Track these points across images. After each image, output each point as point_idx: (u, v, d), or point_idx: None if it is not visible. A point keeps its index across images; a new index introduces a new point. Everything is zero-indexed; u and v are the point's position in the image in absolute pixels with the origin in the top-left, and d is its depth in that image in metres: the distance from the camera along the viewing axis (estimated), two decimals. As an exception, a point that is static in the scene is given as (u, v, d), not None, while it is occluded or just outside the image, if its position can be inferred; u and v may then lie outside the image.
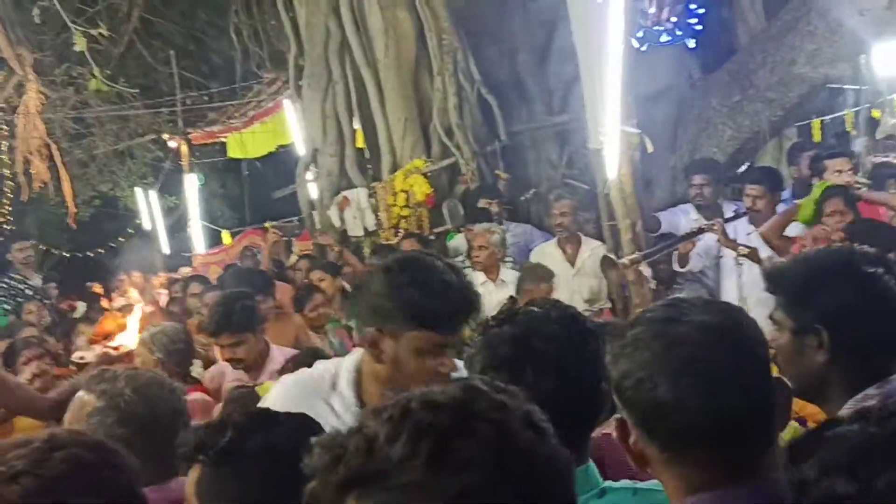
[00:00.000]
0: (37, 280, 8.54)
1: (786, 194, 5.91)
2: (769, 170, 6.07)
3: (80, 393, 2.06)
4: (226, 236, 11.56)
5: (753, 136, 6.59)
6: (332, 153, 8.08)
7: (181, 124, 11.33)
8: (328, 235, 7.69)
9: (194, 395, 3.81)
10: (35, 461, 1.30)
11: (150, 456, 1.71)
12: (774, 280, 1.86)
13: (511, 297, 4.58)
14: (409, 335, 1.93)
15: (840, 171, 5.26)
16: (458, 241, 6.60)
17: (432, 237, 7.16)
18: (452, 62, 7.37)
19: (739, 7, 7.07)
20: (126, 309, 7.54)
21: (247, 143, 11.50)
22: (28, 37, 10.01)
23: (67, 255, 13.99)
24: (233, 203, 15.29)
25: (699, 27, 6.53)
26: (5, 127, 10.36)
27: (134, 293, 10.15)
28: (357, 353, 2.12)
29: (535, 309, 1.61)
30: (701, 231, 5.29)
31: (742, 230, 5.34)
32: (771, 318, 1.86)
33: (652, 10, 6.28)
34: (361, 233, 7.79)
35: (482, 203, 6.41)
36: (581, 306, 5.62)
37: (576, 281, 5.77)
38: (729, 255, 5.28)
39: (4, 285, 8.16)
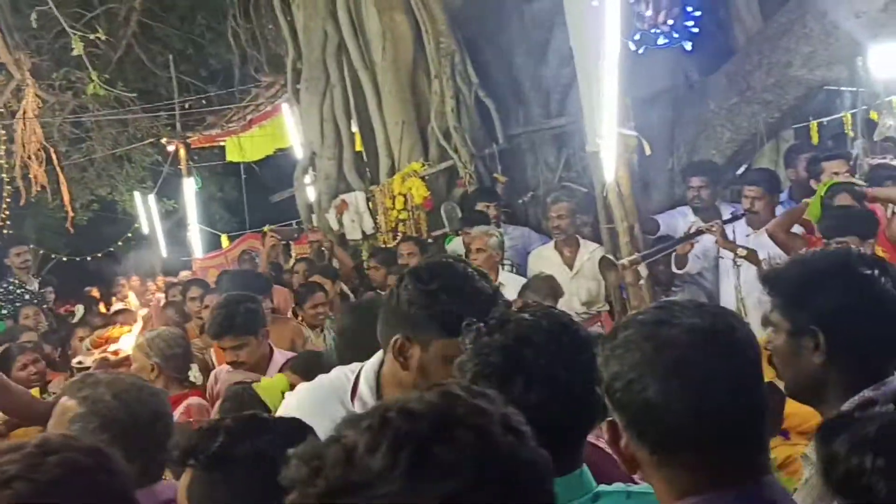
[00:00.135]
0: (34, 285, 8.53)
1: (783, 196, 5.91)
2: (767, 172, 6.07)
3: (63, 399, 2.08)
4: (225, 240, 11.56)
5: (751, 138, 6.59)
6: (329, 157, 8.08)
7: (179, 128, 11.33)
8: (318, 232, 7.69)
9: (192, 400, 3.81)
10: (28, 466, 1.30)
11: (134, 460, 1.72)
12: (770, 281, 1.86)
13: (505, 301, 4.55)
14: (439, 343, 1.90)
15: (837, 173, 5.26)
16: (456, 245, 6.59)
17: (430, 240, 7.16)
18: (450, 65, 7.38)
19: (736, 9, 7.06)
20: (123, 313, 7.53)
21: (245, 147, 11.49)
22: (26, 41, 10.03)
23: (66, 259, 13.99)
24: (231, 207, 15.29)
25: (696, 29, 6.52)
26: (3, 131, 10.36)
27: (133, 297, 10.16)
28: (376, 358, 2.09)
29: (527, 317, 1.59)
30: (700, 233, 5.29)
31: (740, 232, 5.34)
32: (767, 319, 1.86)
33: (648, 12, 6.27)
34: (359, 236, 7.79)
35: (480, 206, 6.40)
36: (579, 309, 5.63)
37: (574, 284, 5.77)
38: (727, 256, 5.28)
39: (2, 290, 8.15)
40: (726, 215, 5.61)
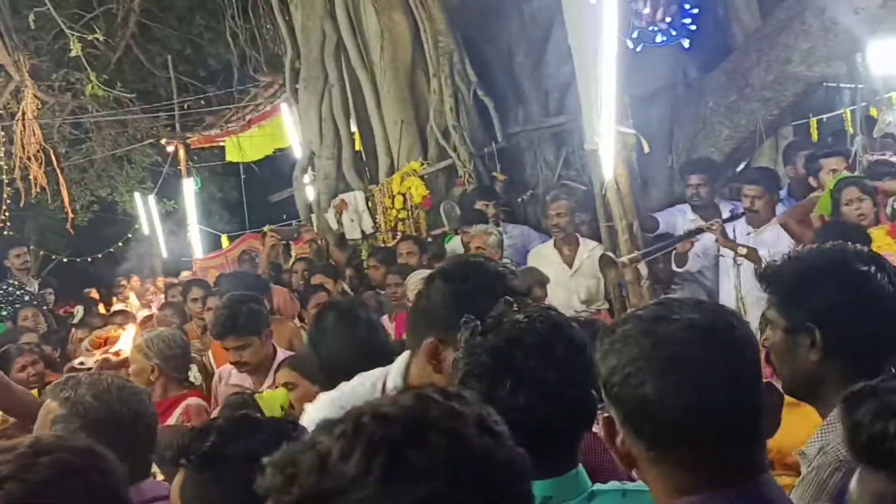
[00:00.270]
0: (34, 286, 8.53)
1: (782, 194, 5.91)
2: (767, 170, 6.06)
3: (47, 400, 2.09)
4: (225, 240, 11.57)
5: (750, 135, 6.58)
6: (328, 156, 8.08)
7: (179, 129, 11.33)
8: (312, 229, 7.69)
9: (191, 400, 3.81)
10: (20, 466, 1.30)
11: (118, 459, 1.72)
12: (767, 279, 1.86)
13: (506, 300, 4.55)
14: None
15: (835, 170, 5.27)
16: (455, 244, 6.59)
17: (430, 239, 7.16)
18: (448, 64, 7.37)
19: (734, 6, 7.05)
20: (121, 314, 7.52)
21: (244, 147, 11.49)
22: (25, 42, 10.04)
23: (66, 260, 14.00)
24: (231, 207, 15.29)
25: (694, 27, 6.51)
26: (3, 133, 10.37)
27: (134, 298, 10.16)
28: (402, 361, 2.05)
29: (522, 318, 1.59)
30: (700, 231, 5.29)
31: (741, 230, 5.34)
32: (764, 316, 1.86)
33: (646, 10, 6.26)
34: (359, 236, 7.79)
35: (479, 205, 6.40)
36: (578, 307, 5.62)
37: (573, 282, 5.77)
38: (728, 255, 5.28)
39: (2, 291, 8.15)
40: (725, 213, 5.61)
